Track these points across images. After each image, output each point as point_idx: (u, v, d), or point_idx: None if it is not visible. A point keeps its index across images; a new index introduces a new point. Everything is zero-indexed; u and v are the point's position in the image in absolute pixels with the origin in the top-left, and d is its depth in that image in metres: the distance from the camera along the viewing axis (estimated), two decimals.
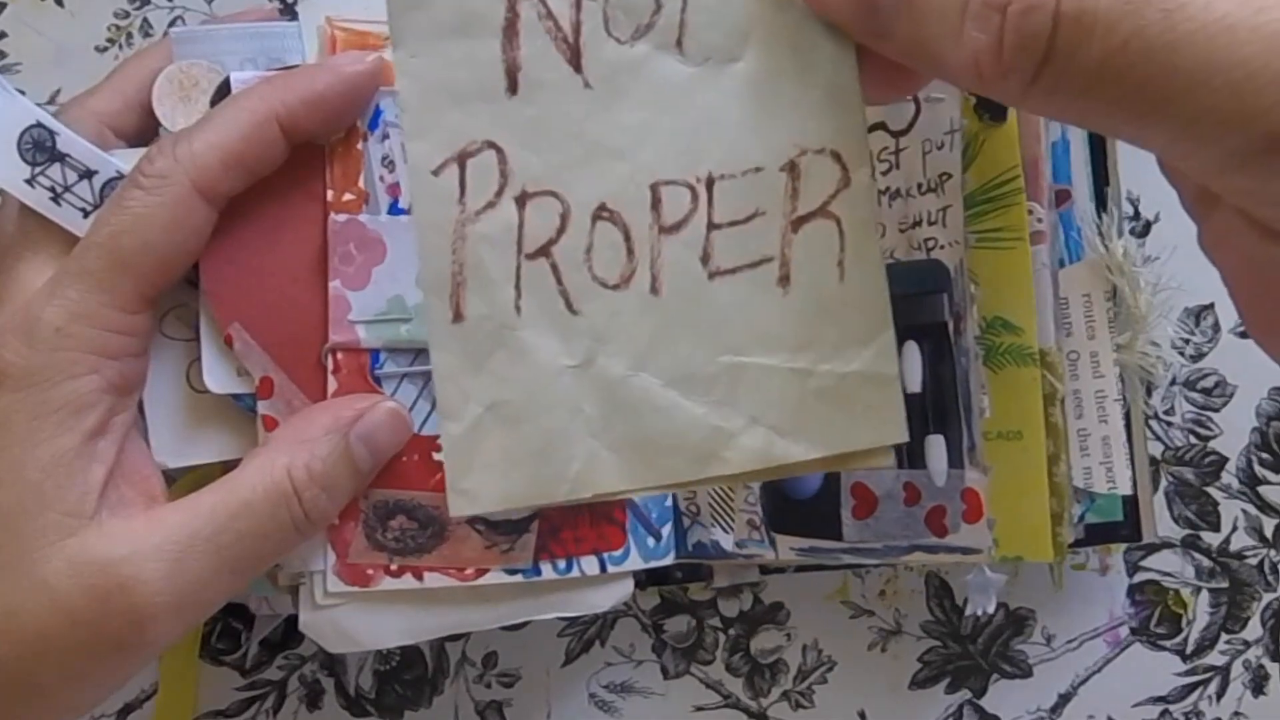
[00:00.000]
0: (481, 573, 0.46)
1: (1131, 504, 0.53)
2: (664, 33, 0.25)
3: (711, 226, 0.25)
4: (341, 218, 0.43)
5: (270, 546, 0.40)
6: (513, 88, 0.25)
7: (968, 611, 0.53)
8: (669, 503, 0.51)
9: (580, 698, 0.58)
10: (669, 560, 0.51)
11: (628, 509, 0.49)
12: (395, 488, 0.44)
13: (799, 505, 0.50)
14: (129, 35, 0.57)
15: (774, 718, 0.58)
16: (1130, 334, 0.52)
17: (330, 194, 0.43)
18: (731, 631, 0.58)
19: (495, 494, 0.26)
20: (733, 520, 0.51)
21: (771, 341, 0.25)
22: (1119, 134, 0.22)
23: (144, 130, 0.45)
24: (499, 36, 0.25)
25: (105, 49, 0.57)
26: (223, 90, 0.43)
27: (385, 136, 0.44)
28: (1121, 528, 0.53)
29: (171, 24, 0.56)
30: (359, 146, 0.44)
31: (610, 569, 0.48)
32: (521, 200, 0.25)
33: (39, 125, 0.41)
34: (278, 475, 0.40)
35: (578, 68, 0.25)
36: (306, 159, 0.43)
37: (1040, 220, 0.49)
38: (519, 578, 0.47)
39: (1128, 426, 0.52)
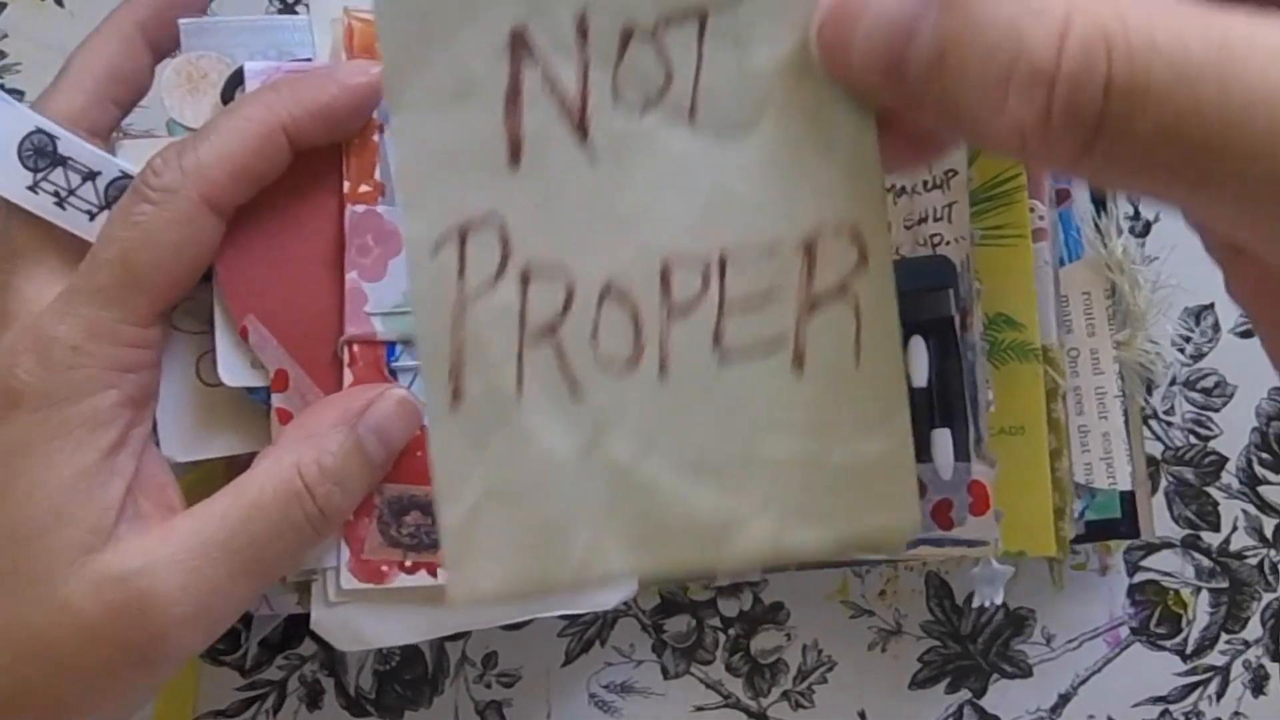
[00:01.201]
0: None
1: (1130, 501, 0.54)
2: (675, 104, 0.24)
3: (723, 307, 0.24)
4: (360, 209, 0.43)
5: (286, 547, 0.39)
6: (515, 159, 0.24)
7: (975, 603, 0.53)
8: None
9: (580, 698, 0.58)
10: None
11: None
12: (410, 482, 0.44)
13: None
14: None
15: (774, 718, 0.58)
16: (1129, 331, 0.53)
17: (346, 186, 0.43)
18: (731, 631, 0.58)
19: (496, 580, 0.25)
20: None
21: (784, 426, 0.24)
22: (1172, 203, 0.21)
23: (113, 123, 0.44)
24: (501, 104, 0.23)
25: None
26: (234, 81, 0.43)
27: None
28: (1120, 524, 0.54)
29: None
30: (374, 139, 0.43)
31: None
32: (525, 278, 0.24)
33: (39, 131, 0.41)
34: (287, 473, 0.39)
35: (584, 139, 0.24)
36: (321, 151, 0.42)
37: (1042, 218, 0.49)
38: None
39: (1127, 423, 0.52)
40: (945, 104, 0.21)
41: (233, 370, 0.43)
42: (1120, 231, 0.52)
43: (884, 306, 0.24)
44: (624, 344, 0.24)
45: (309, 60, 0.45)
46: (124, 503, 0.38)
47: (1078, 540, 0.53)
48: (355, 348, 0.43)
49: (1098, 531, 0.54)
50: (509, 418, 0.24)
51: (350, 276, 0.43)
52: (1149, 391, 0.57)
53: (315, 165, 0.43)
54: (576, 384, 0.24)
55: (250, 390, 0.43)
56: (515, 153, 0.24)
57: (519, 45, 0.23)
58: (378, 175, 0.44)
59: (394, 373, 0.44)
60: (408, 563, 0.44)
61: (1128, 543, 0.58)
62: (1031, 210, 0.49)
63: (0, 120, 0.41)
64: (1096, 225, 0.52)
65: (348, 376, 0.43)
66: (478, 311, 0.24)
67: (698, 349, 0.24)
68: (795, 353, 0.24)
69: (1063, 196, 0.52)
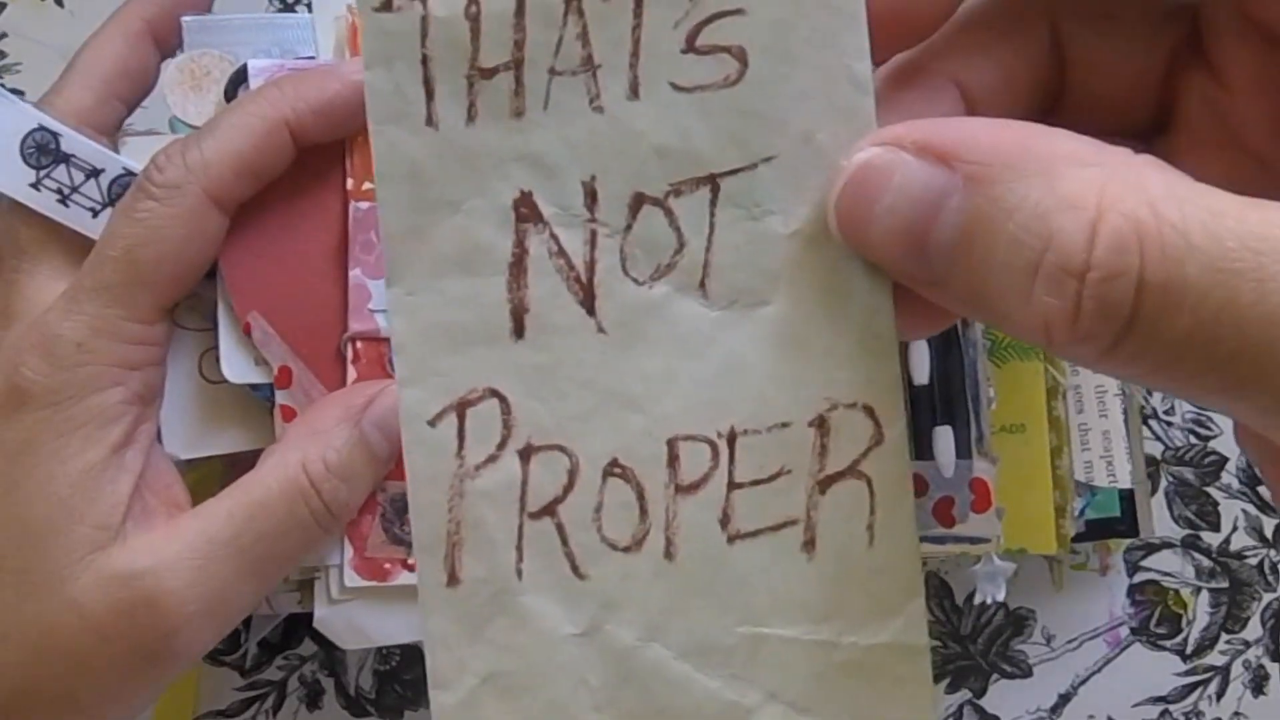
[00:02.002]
0: None
1: (1129, 500, 0.54)
2: (686, 273, 0.23)
3: (732, 485, 0.23)
4: (363, 206, 0.43)
5: (292, 544, 0.39)
6: (519, 331, 0.23)
7: (976, 600, 0.53)
8: None
9: None
10: None
11: None
12: None
13: None
14: None
15: None
16: None
17: (350, 183, 0.43)
18: None
19: None
20: None
21: (794, 611, 0.23)
22: (1206, 403, 0.21)
23: (119, 120, 0.44)
24: (505, 274, 0.23)
25: None
26: (237, 79, 0.43)
27: None
28: (1120, 523, 0.54)
29: None
30: None
31: None
32: (526, 454, 0.23)
33: (41, 129, 0.41)
34: (293, 471, 0.39)
35: (591, 310, 0.23)
36: (324, 148, 0.42)
37: None
38: None
39: (1126, 421, 0.52)
40: (969, 287, 0.20)
41: (236, 367, 0.43)
42: None
43: (899, 485, 0.23)
44: (628, 523, 0.23)
45: (312, 58, 0.45)
46: (131, 499, 0.38)
47: (1077, 539, 0.53)
48: (359, 344, 0.43)
49: (1097, 530, 0.53)
50: (508, 599, 0.23)
51: (354, 273, 0.43)
52: (1149, 392, 0.57)
53: (318, 162, 0.43)
54: (579, 564, 0.23)
55: (253, 387, 0.43)
56: (519, 325, 0.23)
57: (525, 213, 0.23)
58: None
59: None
60: (411, 560, 0.44)
61: (1128, 542, 0.58)
62: None
63: (2, 118, 0.41)
64: None
65: (351, 373, 0.43)
66: (476, 488, 0.23)
67: (705, 529, 0.23)
68: (806, 534, 0.23)
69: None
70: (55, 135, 0.41)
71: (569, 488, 0.23)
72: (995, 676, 0.59)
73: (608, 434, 0.23)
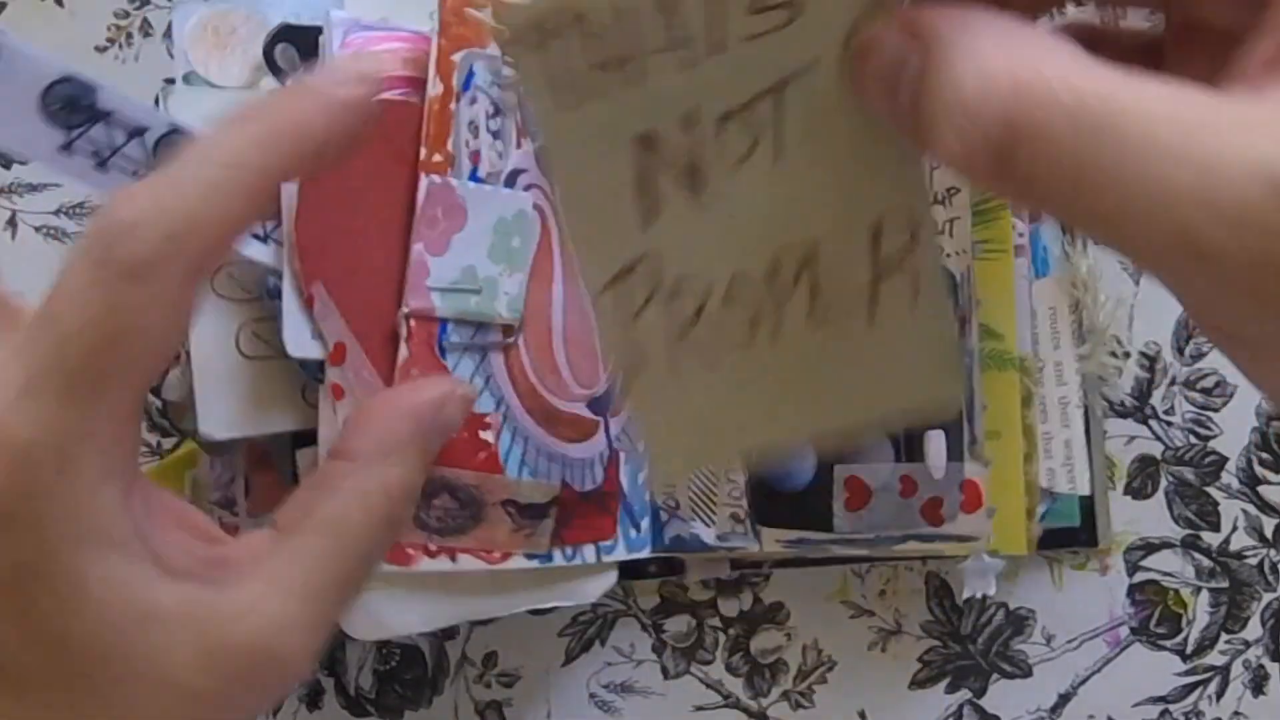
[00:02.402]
0: (506, 557, 0.46)
1: (1089, 510, 0.56)
2: (765, 154, 0.30)
3: (815, 286, 0.30)
4: (436, 180, 0.42)
5: (374, 568, 0.37)
6: (652, 217, 0.31)
7: (965, 595, 0.54)
8: (648, 497, 0.52)
9: (580, 698, 0.58)
10: (646, 553, 0.51)
11: (619, 500, 0.49)
12: (441, 464, 0.43)
13: (788, 498, 0.51)
14: (129, 35, 0.57)
15: (774, 718, 0.58)
16: (1091, 345, 0.55)
17: (423, 152, 0.42)
18: (731, 631, 0.58)
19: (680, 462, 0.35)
20: (714, 514, 0.52)
21: (866, 364, 0.31)
22: (1090, 233, 0.25)
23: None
24: (633, 187, 0.30)
25: (105, 49, 0.57)
26: (278, 37, 0.41)
27: (474, 100, 0.43)
28: (1079, 532, 0.56)
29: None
30: (451, 107, 0.43)
31: (603, 559, 0.49)
32: (671, 293, 0.31)
33: (67, 79, 0.35)
34: (377, 503, 0.36)
35: (700, 190, 0.30)
36: (400, 114, 0.41)
37: (1021, 235, 0.53)
38: (535, 563, 0.46)
39: (1088, 432, 0.55)
40: (918, 127, 0.26)
41: (297, 340, 0.41)
42: (1087, 250, 0.55)
43: (932, 266, 0.30)
44: (742, 329, 0.31)
45: (398, 32, 0.43)
46: (172, 562, 0.34)
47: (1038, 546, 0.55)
48: (413, 323, 0.42)
49: (1056, 539, 0.56)
50: (671, 384, 0.32)
51: (416, 248, 0.42)
52: (1110, 405, 0.57)
53: (389, 128, 0.41)
54: (713, 361, 0.32)
55: (302, 364, 0.41)
56: (650, 215, 0.31)
57: (646, 143, 0.30)
58: (450, 145, 0.43)
59: (443, 351, 0.43)
60: (432, 547, 0.44)
61: (1128, 542, 0.58)
62: (1012, 227, 0.52)
63: (17, 69, 0.35)
64: (1064, 244, 0.55)
65: (403, 351, 0.42)
66: (639, 328, 0.32)
67: (797, 319, 0.31)
68: (869, 313, 0.30)
69: (1035, 215, 0.54)
70: (89, 88, 0.35)
71: (700, 311, 0.31)
72: (995, 676, 0.59)
73: (727, 263, 0.31)
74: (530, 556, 0.46)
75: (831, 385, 0.32)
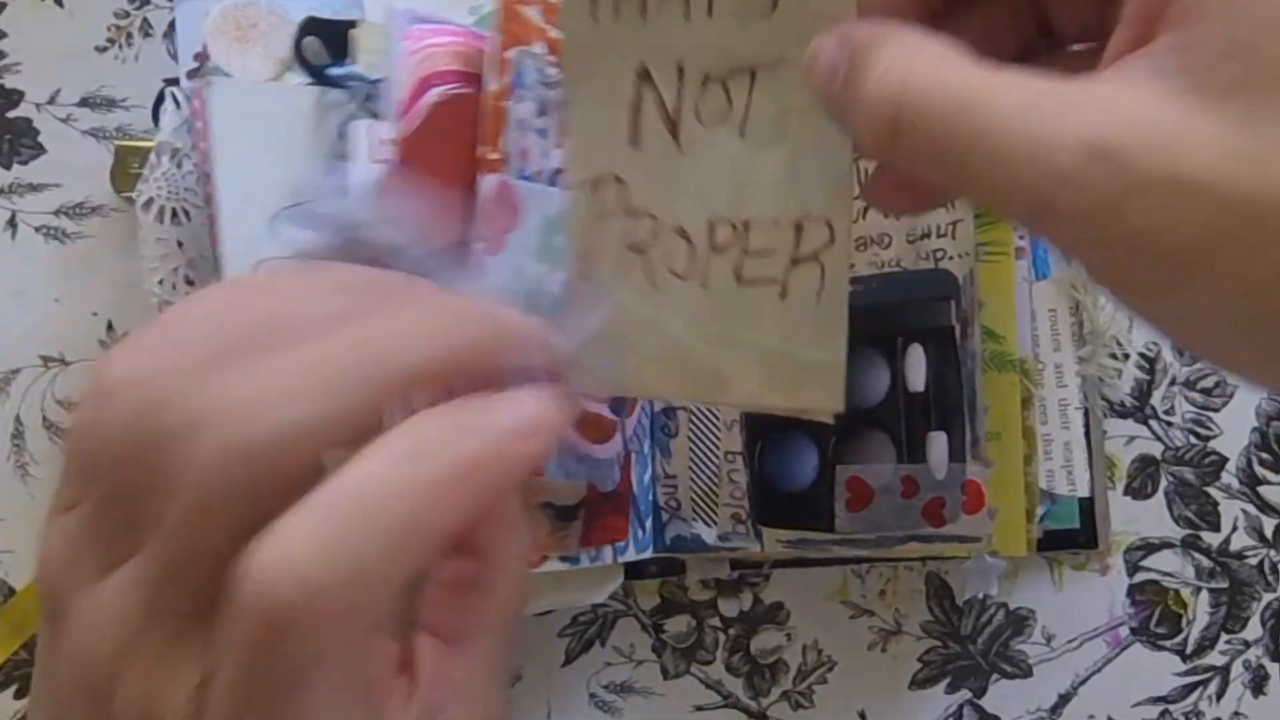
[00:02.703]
0: (543, 560, 0.46)
1: (1089, 512, 0.56)
2: (733, 123, 0.35)
3: (744, 252, 0.35)
4: (496, 178, 0.43)
5: None
6: (634, 143, 0.36)
7: (967, 595, 0.54)
8: (651, 497, 0.51)
9: (580, 698, 0.58)
10: (649, 553, 0.51)
11: (630, 501, 0.49)
12: None
13: (789, 498, 0.51)
14: (129, 35, 0.57)
15: (774, 718, 0.58)
16: (1091, 347, 0.55)
17: (479, 150, 0.43)
18: (731, 631, 0.58)
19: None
20: (716, 514, 0.52)
21: (772, 328, 0.35)
22: (965, 195, 0.32)
23: None
24: (629, 109, 0.36)
25: (105, 49, 0.57)
26: (305, 30, 0.41)
27: (521, 99, 0.43)
28: (1079, 534, 0.56)
29: (172, 25, 0.56)
30: (503, 104, 0.43)
31: (618, 559, 0.49)
32: (630, 214, 0.36)
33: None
34: (516, 576, 0.34)
35: (675, 137, 0.35)
36: (453, 108, 0.42)
37: (1022, 238, 0.54)
38: (565, 566, 0.46)
39: (1087, 434, 0.55)
40: (844, 117, 0.31)
41: None
42: None
43: (840, 270, 0.34)
44: (683, 264, 0.36)
45: (449, 26, 0.44)
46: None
47: (1037, 547, 0.55)
48: None
49: (1056, 540, 0.56)
50: (612, 290, 0.37)
51: (475, 248, 0.43)
52: (1110, 405, 0.57)
53: (449, 122, 0.42)
54: (654, 279, 0.36)
55: None
56: (635, 139, 0.36)
57: (643, 75, 0.35)
58: (502, 144, 0.43)
59: None
60: None
61: (1128, 542, 0.58)
62: (1013, 229, 0.53)
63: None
64: None
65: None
66: (601, 226, 0.36)
67: (727, 275, 0.35)
68: (783, 289, 0.35)
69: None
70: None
71: (654, 235, 0.36)
72: (995, 676, 0.59)
73: (678, 210, 0.36)
74: (562, 559, 0.46)
75: (740, 350, 0.36)
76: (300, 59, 0.46)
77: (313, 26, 0.42)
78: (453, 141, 0.43)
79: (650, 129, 0.36)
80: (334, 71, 0.46)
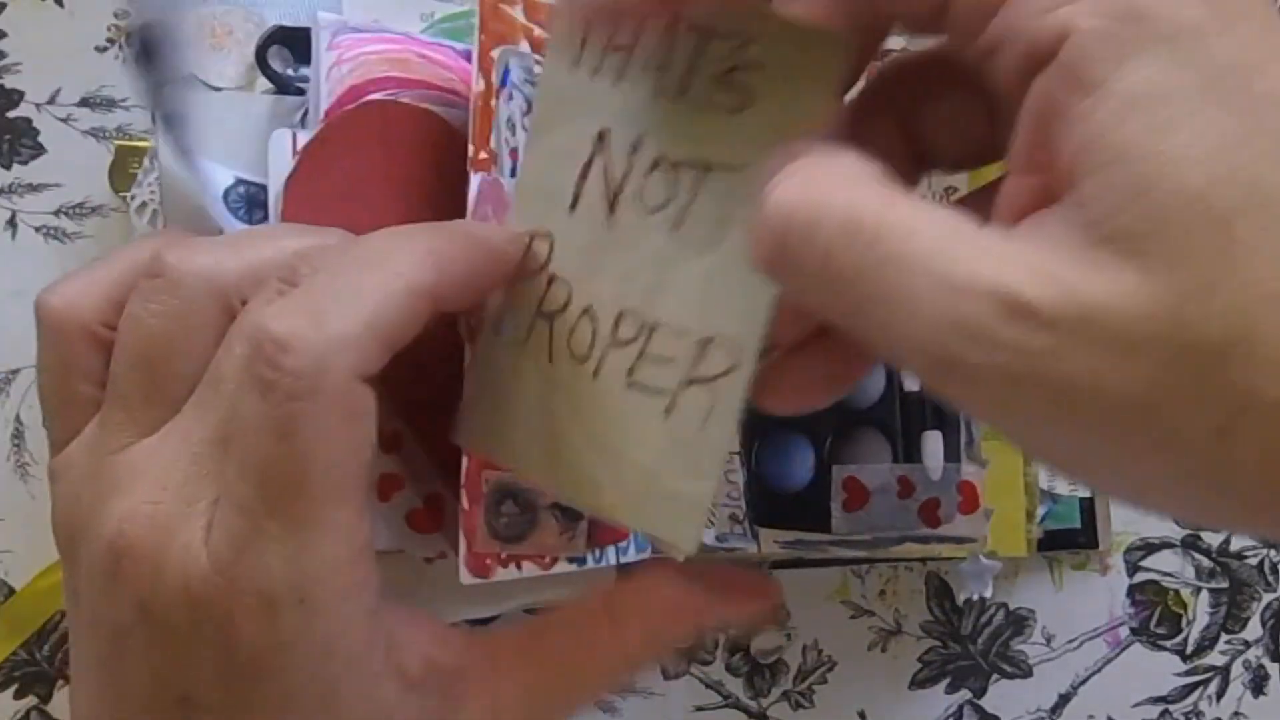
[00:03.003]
0: (554, 562, 0.46)
1: (1089, 511, 0.56)
2: (670, 216, 0.33)
3: (642, 354, 0.34)
4: (488, 178, 0.42)
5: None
6: (573, 205, 0.34)
7: (962, 597, 0.53)
8: None
9: None
10: (648, 553, 0.51)
11: None
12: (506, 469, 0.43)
13: (786, 498, 0.51)
14: (129, 35, 0.57)
15: (774, 718, 0.58)
16: None
17: (470, 149, 0.42)
18: (731, 631, 0.58)
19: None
20: (713, 514, 0.52)
21: (649, 446, 0.34)
22: (850, 325, 0.27)
23: None
24: (577, 171, 0.34)
25: (105, 49, 0.57)
26: (270, 39, 0.41)
27: (510, 97, 0.43)
28: (1079, 534, 0.56)
29: None
30: (493, 103, 0.43)
31: (620, 559, 0.49)
32: (549, 279, 0.35)
33: (241, 183, 0.39)
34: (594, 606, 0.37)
35: (611, 213, 0.34)
36: (386, 112, 0.42)
37: None
38: (574, 567, 0.46)
39: None
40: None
41: None
42: None
43: (733, 402, 0.32)
44: (584, 347, 0.34)
45: (386, 34, 0.44)
46: (418, 677, 0.34)
47: (1037, 547, 0.55)
48: (474, 321, 0.42)
49: (1057, 540, 0.56)
50: (518, 356, 0.36)
51: None
52: None
53: (381, 127, 0.42)
54: (552, 353, 0.35)
55: None
56: (575, 203, 0.34)
57: (601, 139, 0.34)
58: (493, 143, 0.43)
59: None
60: (503, 555, 0.43)
61: (1128, 542, 0.58)
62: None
63: (203, 179, 0.38)
64: None
65: (469, 356, 0.40)
66: (526, 282, 0.35)
67: (619, 371, 0.34)
68: (669, 405, 0.33)
69: None
70: (263, 187, 0.38)
71: (564, 308, 0.35)
72: (995, 676, 0.59)
73: (592, 289, 0.34)
74: (571, 560, 0.46)
75: (613, 456, 0.34)
76: (263, 66, 0.46)
77: (278, 35, 0.42)
78: (385, 145, 0.43)
79: (591, 197, 0.34)
80: (293, 78, 0.46)
